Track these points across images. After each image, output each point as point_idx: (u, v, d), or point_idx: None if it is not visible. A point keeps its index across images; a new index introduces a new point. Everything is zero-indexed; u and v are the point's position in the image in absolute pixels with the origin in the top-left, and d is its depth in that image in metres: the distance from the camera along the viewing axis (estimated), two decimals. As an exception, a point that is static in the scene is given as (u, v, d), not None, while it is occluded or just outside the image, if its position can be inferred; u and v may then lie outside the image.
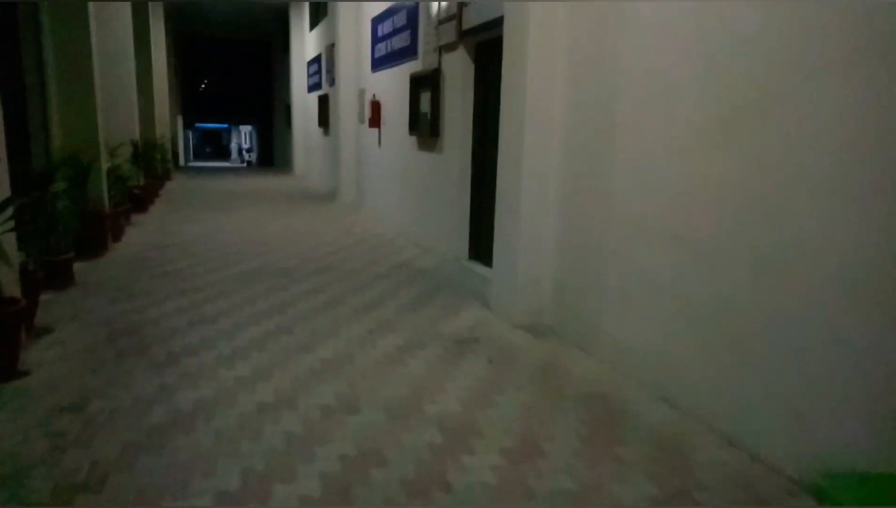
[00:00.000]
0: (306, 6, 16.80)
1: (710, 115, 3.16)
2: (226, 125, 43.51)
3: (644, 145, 3.65)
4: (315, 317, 4.90)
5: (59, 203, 5.60)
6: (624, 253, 3.86)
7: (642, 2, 3.62)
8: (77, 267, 6.26)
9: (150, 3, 13.74)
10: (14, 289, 3.89)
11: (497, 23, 5.46)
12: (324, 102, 14.36)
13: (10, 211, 3.73)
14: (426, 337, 4.47)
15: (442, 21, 6.70)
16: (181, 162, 24.84)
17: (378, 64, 9.54)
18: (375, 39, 9.62)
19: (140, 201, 10.22)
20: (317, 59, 15.41)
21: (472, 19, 6.02)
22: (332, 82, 12.96)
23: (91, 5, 6.93)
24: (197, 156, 42.17)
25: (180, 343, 4.24)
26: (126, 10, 10.43)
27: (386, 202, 9.43)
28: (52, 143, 6.68)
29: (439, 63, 6.93)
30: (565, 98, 4.43)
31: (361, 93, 10.64)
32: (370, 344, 4.33)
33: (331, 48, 12.96)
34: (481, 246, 6.56)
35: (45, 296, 5.15)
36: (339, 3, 11.19)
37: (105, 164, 7.47)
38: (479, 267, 6.36)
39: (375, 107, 9.55)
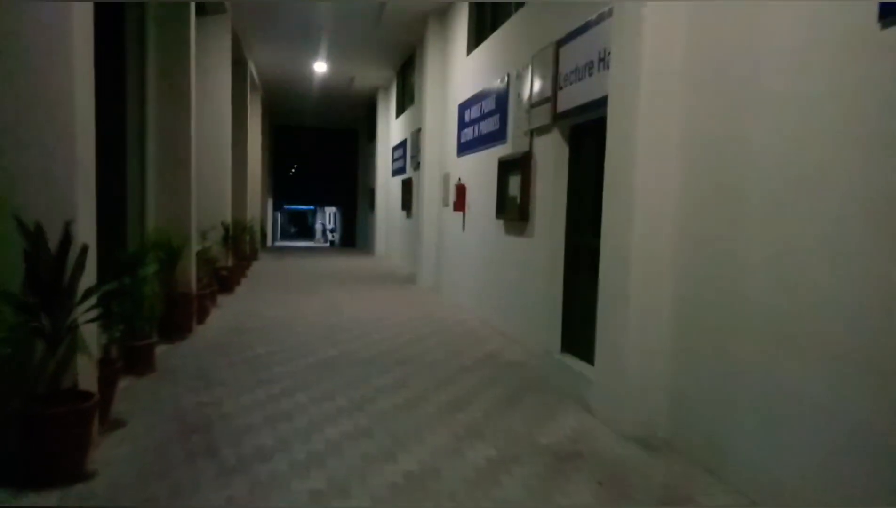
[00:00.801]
0: (393, 95, 17.42)
1: (870, 203, 2.62)
2: (312, 206, 45.42)
3: (784, 239, 3.12)
4: (397, 417, 4.48)
5: (146, 287, 5.57)
6: (761, 363, 3.25)
7: (777, 76, 3.19)
8: (160, 350, 6.20)
9: (248, 96, 14.61)
10: (90, 382, 3.71)
11: (595, 105, 5.17)
12: (407, 186, 14.51)
13: (93, 299, 3.60)
14: (521, 449, 3.93)
15: (534, 104, 6.50)
16: (268, 242, 25.82)
17: (464, 148, 9.47)
18: (462, 124, 9.61)
19: (227, 282, 10.37)
20: (401, 145, 15.76)
21: (567, 101, 5.76)
22: (416, 166, 13.09)
23: (193, 96, 7.22)
24: (284, 235, 44.02)
25: (253, 443, 3.90)
26: (226, 100, 11.02)
27: (468, 287, 9.09)
28: (146, 227, 6.82)
29: (531, 146, 6.68)
30: (680, 182, 3.98)
31: (446, 177, 10.59)
32: (458, 454, 3.83)
33: (416, 133, 13.18)
34: (575, 338, 6.02)
35: (123, 383, 5.03)
36: (427, 91, 11.39)
37: (195, 247, 7.57)
38: (574, 363, 5.79)
39: (461, 190, 9.41)
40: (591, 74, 5.26)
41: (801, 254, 3.00)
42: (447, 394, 5.05)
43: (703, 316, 3.76)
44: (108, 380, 4.11)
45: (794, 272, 3.04)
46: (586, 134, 5.82)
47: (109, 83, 7.25)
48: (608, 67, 4.92)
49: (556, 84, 6.00)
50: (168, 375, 5.44)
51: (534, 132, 6.61)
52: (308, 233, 47.66)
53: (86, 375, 3.68)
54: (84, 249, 3.54)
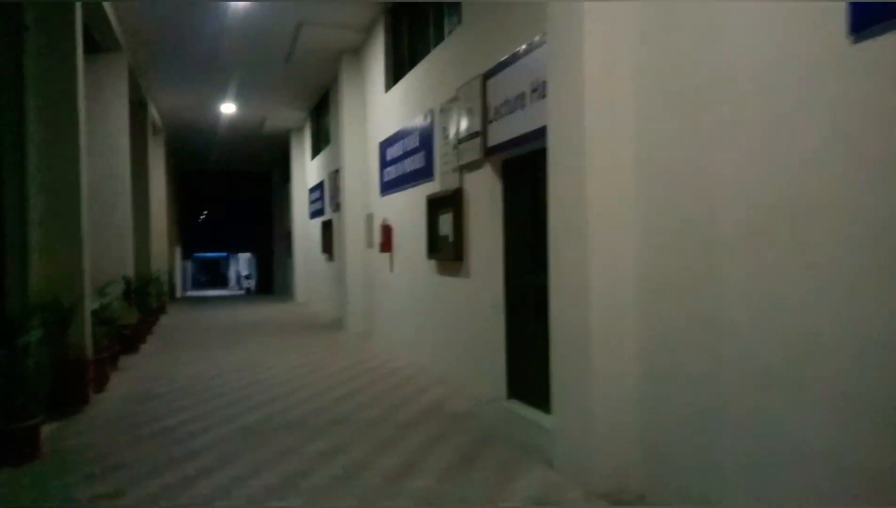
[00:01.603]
0: (308, 136, 16.90)
1: (862, 229, 2.45)
2: (225, 253, 43.46)
3: (763, 271, 2.91)
4: (338, 494, 3.91)
5: (29, 359, 4.74)
6: (743, 407, 2.99)
7: (744, 95, 3.03)
8: (49, 430, 5.32)
9: (149, 139, 13.66)
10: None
11: (529, 137, 4.96)
12: (327, 228, 13.93)
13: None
14: (484, 520, 3.48)
15: (463, 139, 6.24)
16: (178, 292, 24.20)
17: (388, 187, 9.10)
18: (384, 163, 9.25)
19: (130, 341, 9.34)
20: (319, 186, 15.20)
21: (498, 135, 5.53)
22: (336, 208, 12.57)
23: (83, 141, 6.45)
24: (195, 285, 41.71)
25: (165, 546, 3.23)
26: (124, 145, 10.15)
27: (401, 332, 8.60)
28: (29, 286, 5.93)
29: (461, 182, 6.39)
30: (639, 212, 3.75)
31: (370, 217, 10.15)
32: (413, 534, 3.33)
33: (335, 174, 12.70)
34: (522, 383, 5.68)
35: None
36: (345, 131, 10.99)
37: (90, 305, 6.69)
38: (524, 410, 5.42)
39: (387, 231, 8.99)
40: (523, 106, 5.05)
41: (784, 287, 2.79)
42: (391, 458, 4.52)
43: (676, 358, 3.49)
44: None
45: (775, 307, 2.83)
46: (520, 167, 5.59)
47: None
48: (543, 97, 4.73)
49: (485, 118, 5.77)
50: (57, 461, 4.60)
51: (464, 168, 6.33)
52: (221, 281, 45.50)
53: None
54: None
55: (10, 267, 6.07)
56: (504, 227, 5.83)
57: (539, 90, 4.76)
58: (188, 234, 29.39)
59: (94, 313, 7.44)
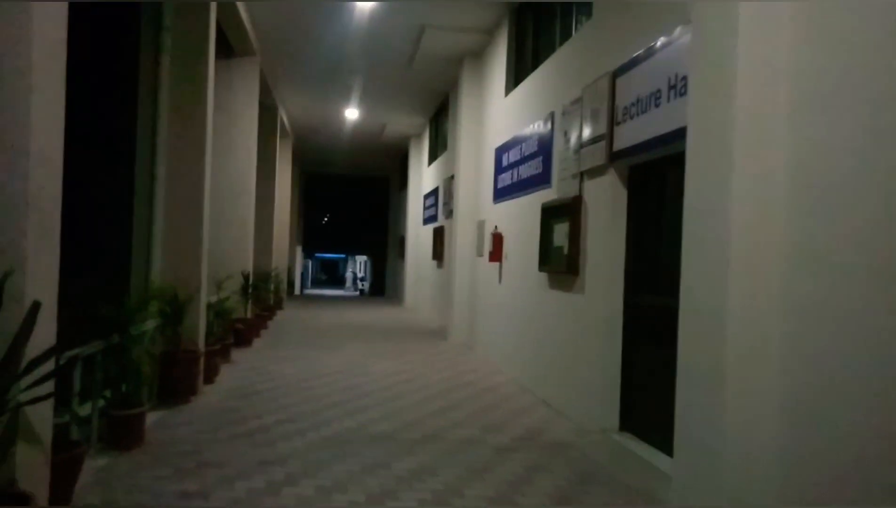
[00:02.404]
0: (426, 142, 16.96)
1: None
2: (343, 255, 45.16)
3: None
4: (423, 522, 3.57)
5: (136, 347, 4.84)
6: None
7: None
8: (156, 417, 5.45)
9: (278, 143, 14.25)
10: (36, 479, 2.92)
11: (663, 140, 4.38)
12: (439, 235, 13.81)
13: (42, 369, 2.85)
14: (585, 579, 2.98)
15: (585, 144, 5.73)
16: (297, 289, 25.30)
17: (501, 194, 8.72)
18: (499, 169, 8.89)
19: (244, 335, 9.65)
20: (433, 192, 15.15)
21: (626, 138, 4.98)
22: (448, 214, 12.39)
23: (209, 140, 6.65)
24: (315, 284, 43.68)
25: (238, 560, 3.03)
26: (252, 145, 10.56)
27: (505, 346, 8.17)
28: (151, 278, 6.16)
29: (580, 190, 5.88)
30: (790, 229, 3.10)
31: (481, 225, 9.83)
32: (502, 585, 2.90)
33: (449, 180, 12.54)
34: (637, 414, 5.07)
35: (101, 462, 4.25)
36: (461, 136, 10.78)
37: (205, 298, 6.87)
38: (638, 446, 4.82)
39: (497, 239, 8.62)
40: (657, 105, 4.48)
41: None
42: (484, 487, 4.11)
43: (829, 405, 2.81)
44: (66, 468, 3.33)
45: None
46: (650, 175, 5.01)
47: (118, 121, 6.80)
48: (681, 95, 4.15)
49: (612, 119, 5.23)
50: (156, 451, 4.63)
51: (584, 174, 5.82)
52: (339, 281, 47.31)
53: (29, 468, 2.90)
54: (34, 307, 2.80)
55: (135, 259, 6.36)
56: (627, 241, 5.26)
57: (678, 87, 4.18)
58: (310, 234, 30.72)
59: (210, 306, 7.69)
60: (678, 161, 4.27)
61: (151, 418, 5.38)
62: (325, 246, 37.14)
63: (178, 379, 6.04)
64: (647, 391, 4.94)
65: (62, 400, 3.95)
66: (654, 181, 4.98)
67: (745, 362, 3.16)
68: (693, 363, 3.48)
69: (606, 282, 5.36)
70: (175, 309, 6.05)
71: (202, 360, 6.52)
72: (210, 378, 7.02)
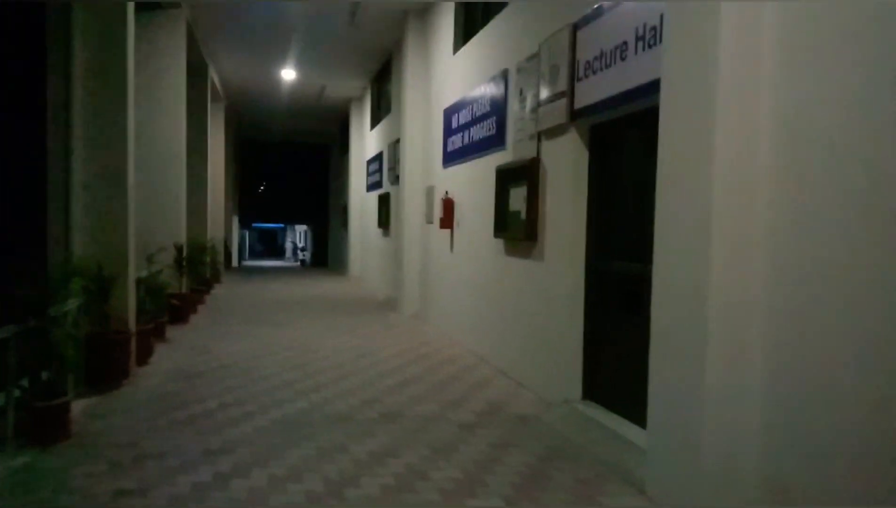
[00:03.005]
0: (368, 105, 16.33)
1: None
2: (282, 225, 43.86)
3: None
4: (388, 510, 3.31)
5: (57, 330, 4.32)
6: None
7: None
8: (84, 405, 4.96)
9: (209, 106, 13.36)
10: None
11: (630, 95, 4.14)
12: (384, 202, 13.37)
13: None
14: (568, 565, 2.80)
15: (543, 102, 5.45)
16: (235, 262, 24.35)
17: (452, 158, 8.39)
18: (448, 132, 8.54)
19: (180, 311, 9.05)
20: (377, 158, 14.64)
21: (589, 95, 4.72)
22: (394, 180, 11.97)
23: (131, 98, 5.99)
24: (252, 255, 42.31)
25: (184, 570, 2.69)
26: (180, 108, 9.78)
27: (460, 316, 7.95)
28: (72, 253, 5.56)
29: (538, 151, 5.62)
30: (776, 185, 2.94)
31: (430, 190, 9.49)
32: (481, 578, 2.68)
33: (394, 144, 12.08)
34: (601, 382, 4.95)
35: (21, 460, 3.79)
36: (407, 98, 10.32)
37: (134, 273, 6.30)
38: (604, 415, 4.70)
39: (448, 205, 8.31)
40: (623, 58, 4.23)
41: None
42: (450, 468, 3.89)
43: (819, 377, 2.69)
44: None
45: None
46: (613, 133, 4.79)
47: (23, 81, 6.06)
48: (651, 46, 3.91)
49: (573, 75, 4.96)
50: (86, 444, 4.17)
51: (542, 135, 5.56)
52: (278, 251, 46.03)
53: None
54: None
55: (53, 232, 5.72)
56: (588, 204, 5.05)
57: (647, 37, 3.93)
58: (247, 204, 29.53)
59: (140, 282, 7.11)
60: (643, 119, 4.09)
61: (79, 407, 4.89)
62: (263, 215, 35.90)
63: (107, 362, 5.52)
64: (612, 359, 4.81)
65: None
66: (619, 140, 4.77)
67: (728, 333, 3.01)
68: (667, 334, 3.32)
69: (567, 248, 5.16)
70: (100, 286, 5.50)
71: (133, 341, 6.00)
72: (144, 359, 6.50)
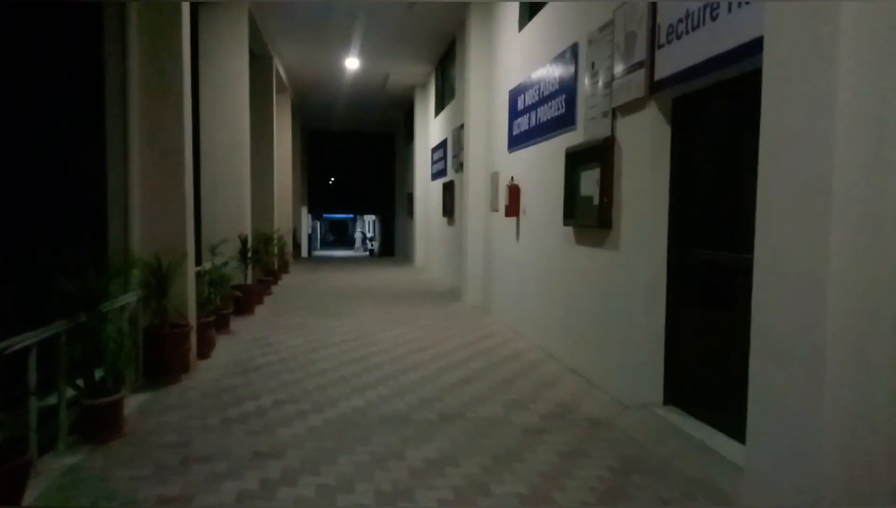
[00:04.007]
0: (432, 92, 16.01)
1: None
2: (351, 215, 44.44)
3: None
4: (445, 532, 2.96)
5: (108, 326, 4.21)
6: None
7: None
8: (141, 400, 4.89)
9: (275, 97, 13.38)
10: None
11: (722, 59, 3.58)
12: (448, 190, 13.04)
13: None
14: None
15: (618, 75, 4.91)
16: (305, 252, 24.73)
17: (517, 142, 7.92)
18: (514, 114, 8.07)
19: (244, 303, 9.05)
20: (441, 145, 14.30)
21: (672, 63, 4.17)
22: (458, 167, 11.60)
23: (187, 88, 5.86)
24: (324, 245, 43.14)
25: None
26: (243, 98, 9.75)
27: (525, 308, 7.51)
28: (131, 246, 5.50)
29: (613, 130, 5.09)
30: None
31: (494, 176, 9.05)
32: None
33: (458, 130, 11.70)
34: (685, 385, 4.42)
35: (71, 460, 3.68)
36: (471, 81, 9.90)
37: (194, 265, 6.21)
38: (688, 423, 4.18)
39: (513, 192, 7.86)
40: (714, 17, 3.67)
41: None
42: (514, 482, 3.50)
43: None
44: (10, 479, 2.74)
45: None
46: (701, 106, 4.23)
47: (81, 74, 6.05)
48: (747, 2, 3.34)
49: (652, 42, 4.41)
50: (137, 443, 4.05)
51: (617, 111, 5.03)
52: (348, 241, 46.75)
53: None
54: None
55: (112, 224, 5.69)
56: (671, 187, 4.51)
57: (743, -10, 3.37)
58: (317, 194, 29.92)
59: (203, 274, 7.07)
60: (734, 87, 3.53)
61: (136, 402, 4.84)
62: (333, 206, 36.37)
63: (166, 356, 5.45)
64: (697, 359, 4.27)
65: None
66: (705, 114, 4.20)
67: (852, 338, 2.46)
68: (773, 336, 2.78)
69: (646, 236, 4.63)
70: (159, 280, 5.42)
71: (193, 334, 5.92)
72: (206, 352, 6.43)
